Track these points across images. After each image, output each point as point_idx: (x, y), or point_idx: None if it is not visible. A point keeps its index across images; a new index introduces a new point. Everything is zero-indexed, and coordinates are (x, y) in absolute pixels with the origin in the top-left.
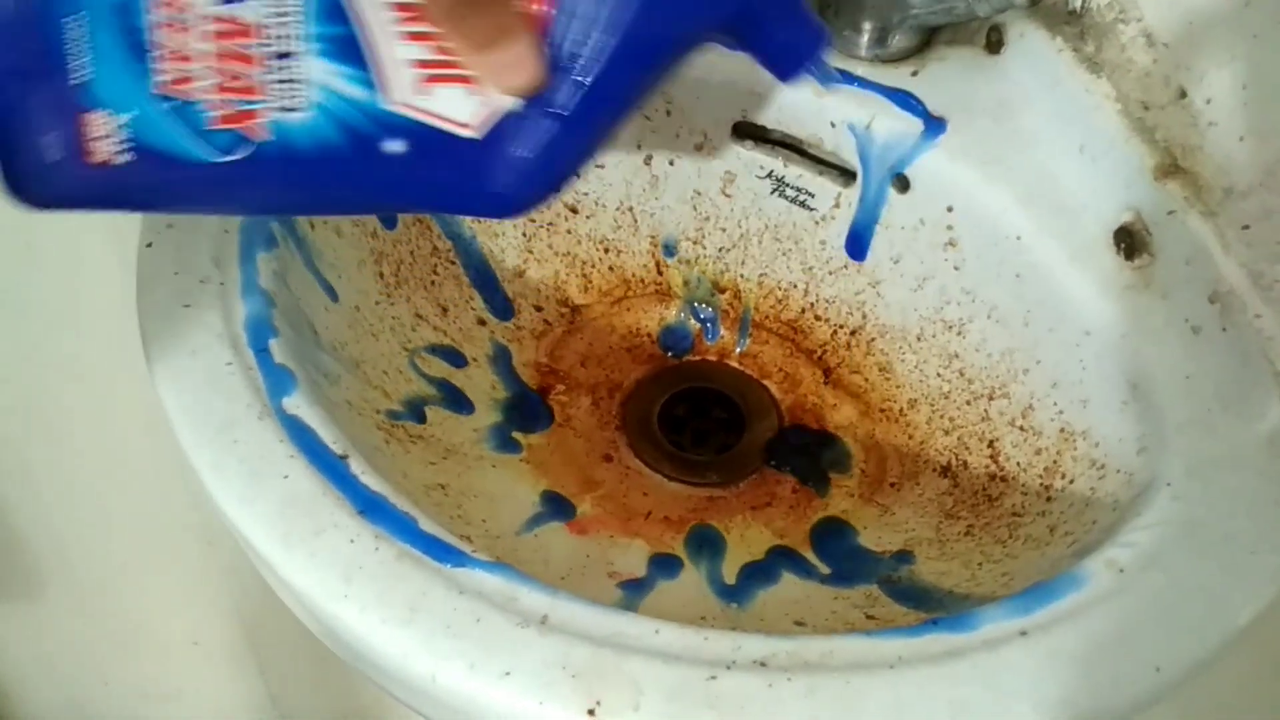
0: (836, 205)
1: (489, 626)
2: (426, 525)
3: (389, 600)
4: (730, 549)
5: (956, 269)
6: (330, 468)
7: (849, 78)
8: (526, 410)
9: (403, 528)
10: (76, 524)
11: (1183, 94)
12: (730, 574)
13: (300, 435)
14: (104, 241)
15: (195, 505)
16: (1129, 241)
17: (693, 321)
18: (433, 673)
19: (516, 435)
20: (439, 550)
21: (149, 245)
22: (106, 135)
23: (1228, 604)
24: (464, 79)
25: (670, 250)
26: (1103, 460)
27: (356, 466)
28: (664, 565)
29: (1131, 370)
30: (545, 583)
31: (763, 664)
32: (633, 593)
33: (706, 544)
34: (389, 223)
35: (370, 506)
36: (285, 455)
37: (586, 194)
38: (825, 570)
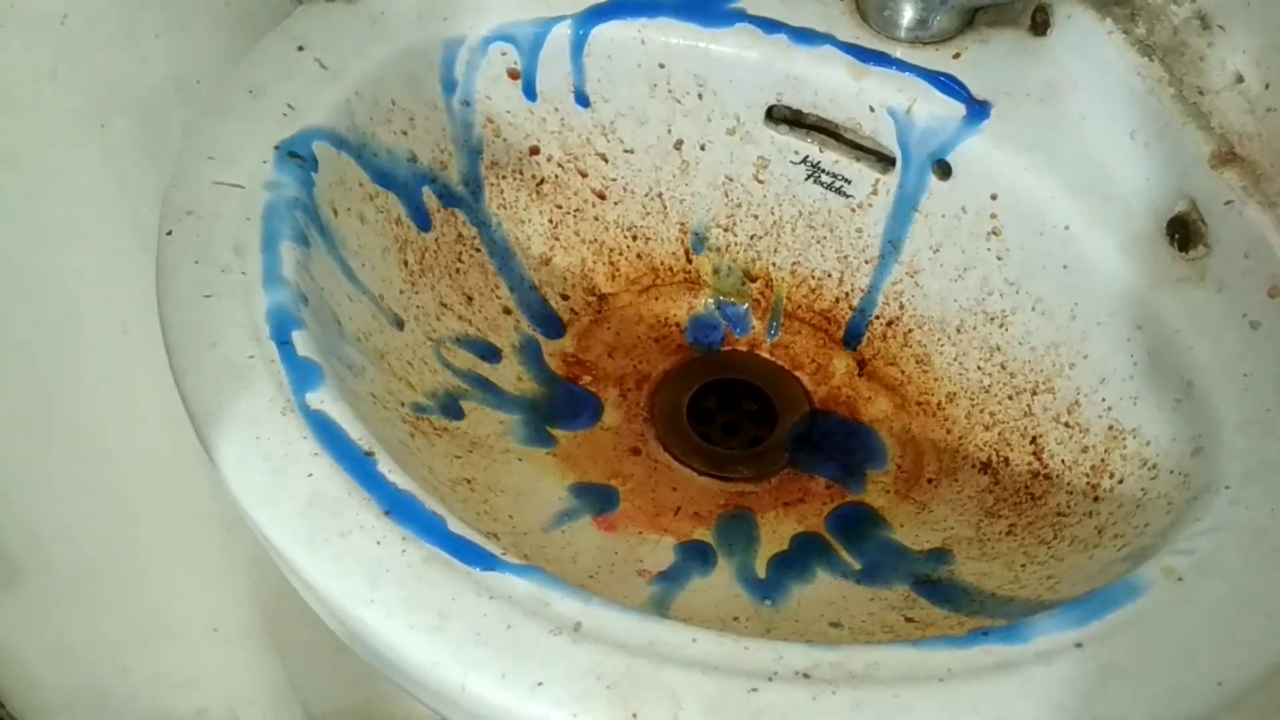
0: (874, 192)
1: (520, 634)
2: (455, 526)
3: (417, 606)
4: (763, 545)
5: (1000, 259)
6: (356, 465)
7: (888, 60)
8: (564, 404)
9: (431, 529)
10: (95, 510)
11: (1239, 78)
12: (762, 568)
13: (325, 431)
14: (126, 228)
15: (215, 492)
16: (1183, 232)
17: (722, 320)
18: (462, 682)
19: (551, 429)
20: (468, 553)
21: (169, 233)
22: None
23: None
24: None
25: (700, 238)
26: (1154, 460)
27: (383, 464)
28: (695, 560)
29: (1186, 367)
30: (576, 584)
31: (806, 675)
32: (664, 592)
33: (739, 538)
34: (422, 224)
35: (397, 506)
36: (309, 453)
37: (615, 180)
38: (860, 568)
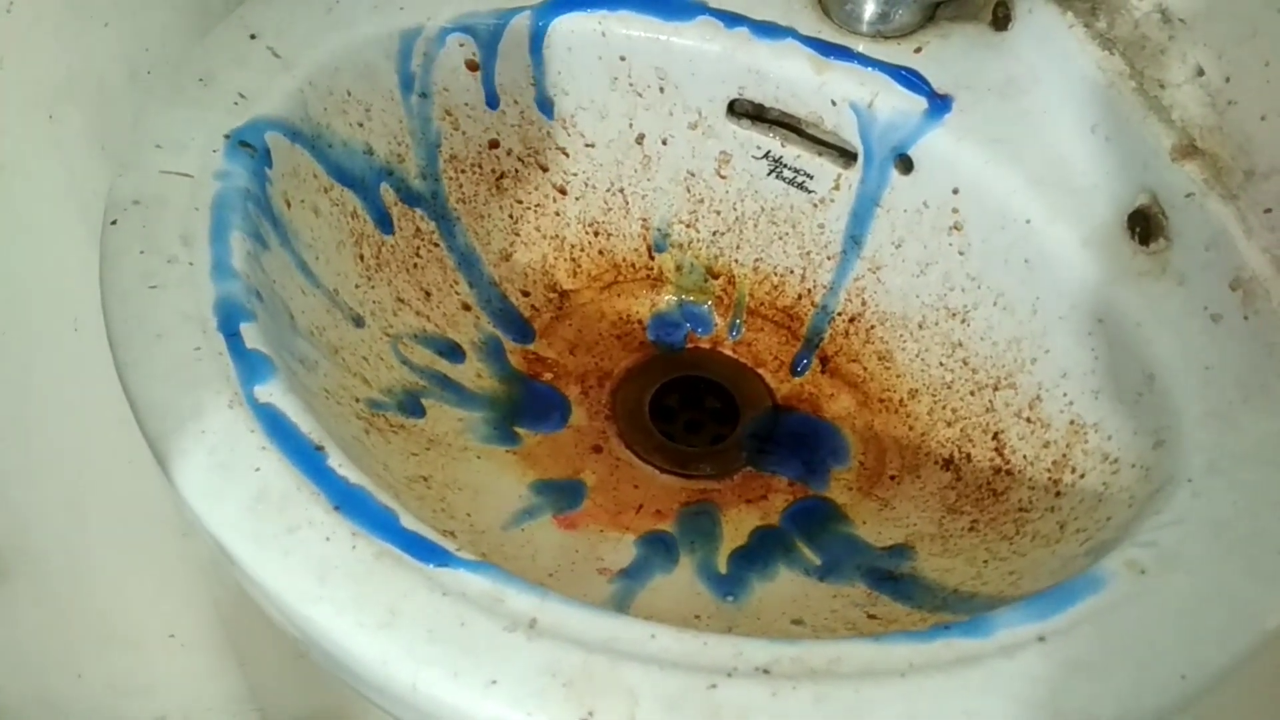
0: (836, 187)
1: (474, 631)
2: (408, 521)
3: (367, 603)
4: (725, 542)
5: (961, 254)
6: (306, 460)
7: (850, 54)
8: (528, 402)
9: (382, 524)
10: (46, 513)
11: (1200, 71)
12: (723, 564)
13: (274, 425)
14: (76, 222)
15: (171, 495)
16: (1144, 225)
17: (684, 321)
18: (413, 681)
19: (515, 428)
20: (421, 548)
21: (114, 223)
22: None
23: (1255, 607)
24: None
25: (663, 234)
26: (1116, 454)
27: (334, 459)
28: (657, 558)
29: (1147, 360)
30: (533, 582)
31: (766, 671)
32: (625, 589)
33: (701, 535)
34: (385, 227)
35: (347, 501)
36: (257, 447)
37: (575, 174)
38: (822, 565)
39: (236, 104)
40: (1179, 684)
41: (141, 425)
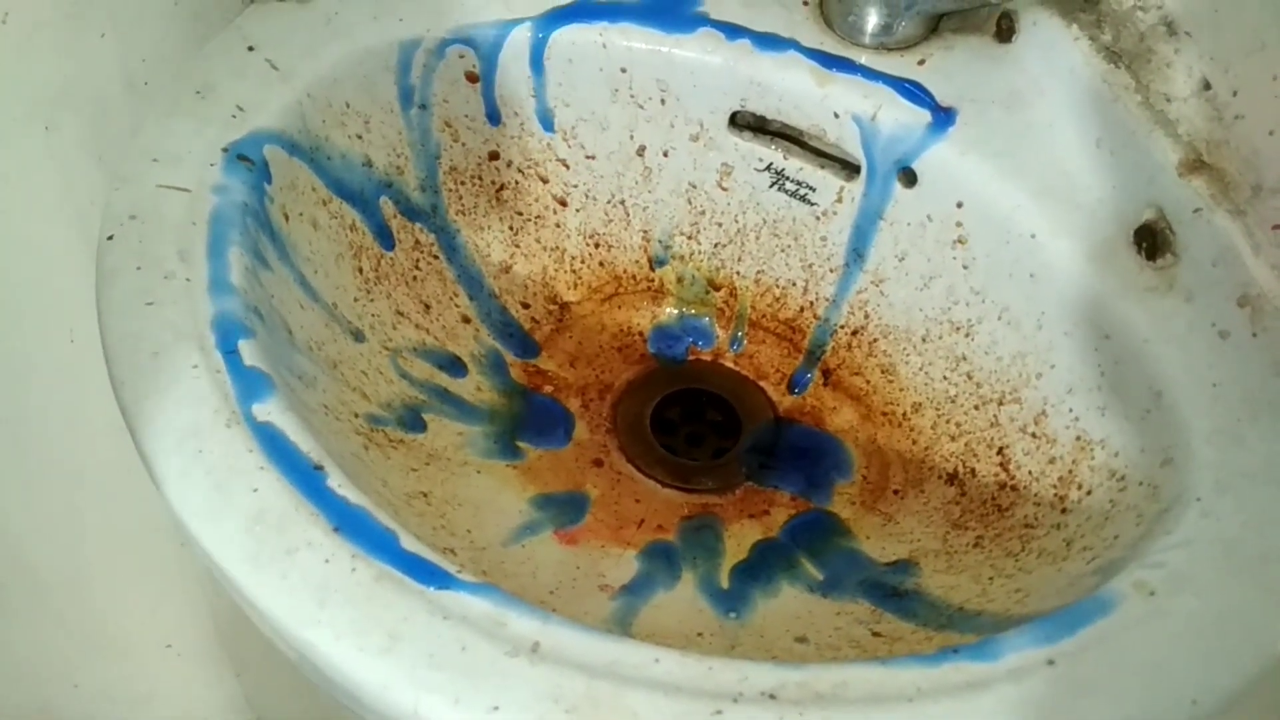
0: (839, 200)
1: (475, 656)
2: (408, 543)
3: (366, 627)
4: (727, 558)
5: (965, 268)
6: (305, 479)
7: (853, 66)
8: (530, 416)
9: (382, 545)
10: (42, 523)
11: (1207, 85)
12: (725, 579)
13: (272, 444)
14: (72, 233)
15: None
16: (1151, 241)
17: (685, 336)
18: (414, 707)
19: (518, 442)
20: (421, 571)
21: (110, 238)
22: None
23: (1266, 630)
24: None
25: (664, 246)
26: (1123, 471)
27: (334, 479)
28: (659, 573)
29: (1154, 377)
30: (535, 602)
31: (772, 696)
32: (626, 606)
33: (703, 551)
34: (385, 240)
35: (347, 522)
36: (255, 466)
37: (576, 186)
38: (825, 581)
39: (234, 116)
40: (1190, 709)
41: (138, 444)
